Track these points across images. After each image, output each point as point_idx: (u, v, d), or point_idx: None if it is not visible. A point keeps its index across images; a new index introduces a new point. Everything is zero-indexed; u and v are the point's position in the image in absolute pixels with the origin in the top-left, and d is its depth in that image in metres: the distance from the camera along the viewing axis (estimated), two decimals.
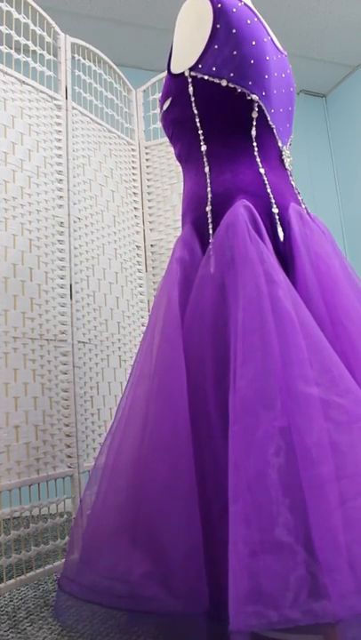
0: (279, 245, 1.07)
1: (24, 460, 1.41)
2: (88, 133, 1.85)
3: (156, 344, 1.07)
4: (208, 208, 1.11)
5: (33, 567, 1.43)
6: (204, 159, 1.16)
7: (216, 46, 1.09)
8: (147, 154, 2.09)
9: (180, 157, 1.27)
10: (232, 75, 1.09)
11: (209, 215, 1.11)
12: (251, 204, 1.06)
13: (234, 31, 1.08)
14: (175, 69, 1.17)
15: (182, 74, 1.15)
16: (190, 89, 1.14)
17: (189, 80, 1.14)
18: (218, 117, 1.14)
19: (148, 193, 2.06)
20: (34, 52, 1.67)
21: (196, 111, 1.15)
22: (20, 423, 1.41)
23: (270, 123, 1.15)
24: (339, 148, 3.39)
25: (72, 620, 1.12)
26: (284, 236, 1.08)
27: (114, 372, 1.78)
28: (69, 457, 1.54)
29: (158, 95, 1.85)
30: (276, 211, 1.09)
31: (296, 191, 1.19)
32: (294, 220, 1.10)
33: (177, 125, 1.21)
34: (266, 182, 1.11)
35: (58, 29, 1.75)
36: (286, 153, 1.20)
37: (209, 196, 1.12)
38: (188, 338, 1.02)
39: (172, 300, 1.06)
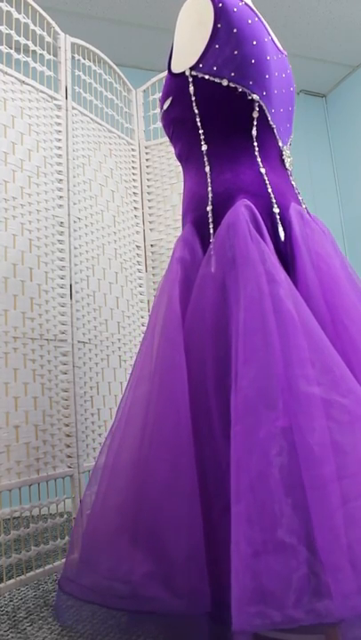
0: (280, 245, 1.07)
1: (24, 460, 1.41)
2: (88, 133, 1.85)
3: (157, 344, 1.07)
4: (209, 208, 1.11)
5: (33, 567, 1.43)
6: (205, 159, 1.15)
7: (217, 46, 1.09)
8: (147, 154, 2.09)
9: (180, 157, 1.27)
10: (233, 74, 1.09)
11: (210, 215, 1.10)
12: (252, 204, 1.06)
13: (235, 31, 1.08)
14: (176, 69, 1.17)
15: (183, 73, 1.15)
16: (191, 88, 1.14)
17: (190, 79, 1.13)
18: (218, 117, 1.14)
19: (148, 193, 2.06)
20: (34, 51, 1.67)
21: (196, 111, 1.15)
22: (19, 423, 1.41)
23: (271, 122, 1.15)
24: (339, 148, 3.39)
25: (72, 620, 1.12)
26: (285, 236, 1.08)
27: (114, 372, 1.78)
28: (69, 457, 1.54)
29: (158, 95, 1.85)
30: (277, 210, 1.09)
31: (296, 191, 1.19)
32: (295, 220, 1.10)
33: (177, 125, 1.21)
34: (267, 182, 1.11)
35: (58, 29, 1.75)
36: (287, 153, 1.20)
37: (210, 195, 1.12)
38: (189, 337, 1.02)
39: (173, 299, 1.06)
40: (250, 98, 1.10)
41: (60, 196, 1.67)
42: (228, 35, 1.08)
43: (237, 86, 1.09)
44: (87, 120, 1.85)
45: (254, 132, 1.13)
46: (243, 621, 0.74)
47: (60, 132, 1.71)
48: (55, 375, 1.54)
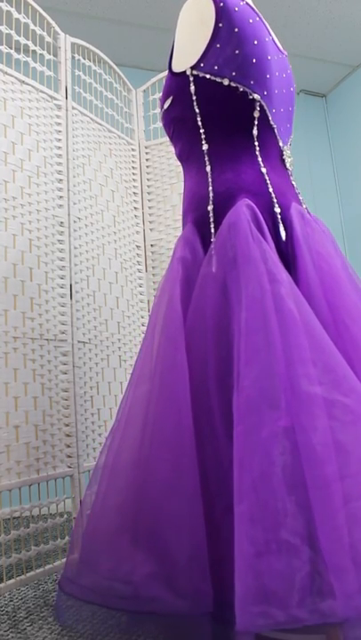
0: (281, 245, 1.07)
1: (24, 460, 1.40)
2: (88, 133, 1.84)
3: (157, 343, 1.07)
4: (210, 207, 1.11)
5: (33, 567, 1.42)
6: (206, 158, 1.15)
7: (218, 45, 1.09)
8: (147, 154, 2.09)
9: (180, 157, 1.26)
10: (234, 74, 1.09)
11: (211, 214, 1.10)
12: (253, 204, 1.06)
13: (236, 30, 1.08)
14: (176, 68, 1.17)
15: (184, 72, 1.15)
16: (192, 88, 1.13)
17: (191, 79, 1.13)
18: (219, 116, 1.14)
19: (148, 193, 2.06)
20: (34, 51, 1.67)
21: (197, 110, 1.14)
22: (20, 423, 1.41)
23: (272, 122, 1.15)
24: (339, 148, 3.39)
25: (72, 620, 1.12)
26: (286, 236, 1.08)
27: (114, 372, 1.77)
28: (69, 457, 1.54)
29: (158, 95, 1.85)
30: (278, 210, 1.09)
31: (297, 191, 1.19)
32: (296, 220, 1.10)
33: (178, 124, 1.21)
34: (268, 182, 1.11)
35: (58, 29, 1.75)
36: (287, 153, 1.20)
37: (210, 195, 1.12)
38: (191, 337, 1.02)
39: (174, 298, 1.06)
40: (251, 97, 1.10)
41: (60, 196, 1.66)
42: (229, 34, 1.08)
43: (238, 86, 1.09)
44: (87, 120, 1.85)
45: (255, 132, 1.13)
46: (246, 621, 0.74)
47: (60, 131, 1.71)
48: (55, 375, 1.54)
